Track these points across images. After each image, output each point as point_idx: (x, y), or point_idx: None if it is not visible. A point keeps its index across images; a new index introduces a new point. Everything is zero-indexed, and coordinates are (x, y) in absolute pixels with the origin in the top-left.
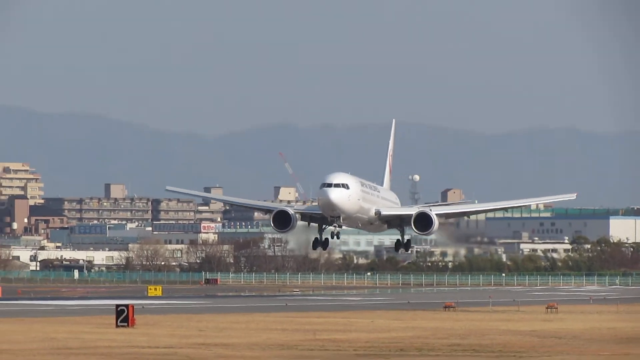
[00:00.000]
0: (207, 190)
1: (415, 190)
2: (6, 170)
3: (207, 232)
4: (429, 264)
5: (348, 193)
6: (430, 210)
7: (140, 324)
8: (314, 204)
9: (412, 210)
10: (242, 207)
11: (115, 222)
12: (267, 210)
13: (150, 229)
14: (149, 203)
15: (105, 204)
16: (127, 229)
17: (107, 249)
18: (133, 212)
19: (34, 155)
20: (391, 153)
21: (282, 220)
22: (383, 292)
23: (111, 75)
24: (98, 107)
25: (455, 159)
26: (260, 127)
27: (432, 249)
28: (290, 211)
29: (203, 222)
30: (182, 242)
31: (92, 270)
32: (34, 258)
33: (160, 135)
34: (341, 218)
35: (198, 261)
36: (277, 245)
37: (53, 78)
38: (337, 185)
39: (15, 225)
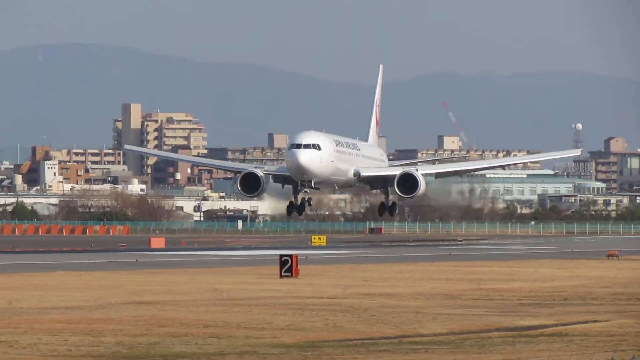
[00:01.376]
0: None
1: (578, 139)
2: (169, 120)
3: None
4: (592, 213)
5: (320, 155)
6: (417, 170)
7: (304, 274)
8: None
9: (396, 171)
10: (213, 168)
11: None
12: (235, 172)
13: None
14: None
15: (268, 153)
16: None
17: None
18: None
19: (197, 106)
20: (378, 103)
21: (251, 184)
22: (547, 241)
23: (275, 24)
24: (262, 57)
25: (619, 108)
26: (423, 76)
27: (595, 198)
28: (260, 173)
29: None
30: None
31: (256, 220)
32: (197, 208)
33: (322, 84)
34: (312, 182)
35: (362, 210)
36: None
37: (215, 28)
38: (306, 146)
39: (178, 176)
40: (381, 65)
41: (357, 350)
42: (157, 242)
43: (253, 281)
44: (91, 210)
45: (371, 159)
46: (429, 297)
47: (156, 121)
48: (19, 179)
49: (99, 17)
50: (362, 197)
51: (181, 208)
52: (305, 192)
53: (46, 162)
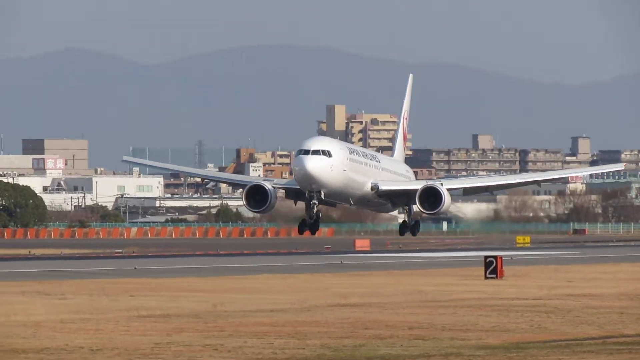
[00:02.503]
0: (575, 140)
1: None
2: (374, 122)
3: (574, 183)
4: None
5: (330, 162)
6: (441, 184)
7: (508, 275)
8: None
9: (418, 185)
10: (215, 181)
11: (483, 173)
12: (241, 185)
13: None
14: (517, 154)
15: (473, 154)
16: None
17: (474, 200)
18: (501, 163)
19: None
20: (406, 116)
21: (257, 198)
22: None
23: (473, 24)
24: (466, 58)
25: None
26: (625, 77)
27: None
28: (267, 186)
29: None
30: (549, 193)
31: (461, 221)
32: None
33: (529, 85)
34: (322, 193)
35: (566, 212)
36: None
37: (414, 27)
38: (315, 152)
39: None
40: (411, 75)
41: (561, 351)
42: (362, 243)
43: (458, 282)
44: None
45: (394, 173)
46: (633, 297)
47: (360, 122)
48: None
49: (303, 18)
50: (566, 198)
51: None
52: (315, 204)
53: (251, 164)
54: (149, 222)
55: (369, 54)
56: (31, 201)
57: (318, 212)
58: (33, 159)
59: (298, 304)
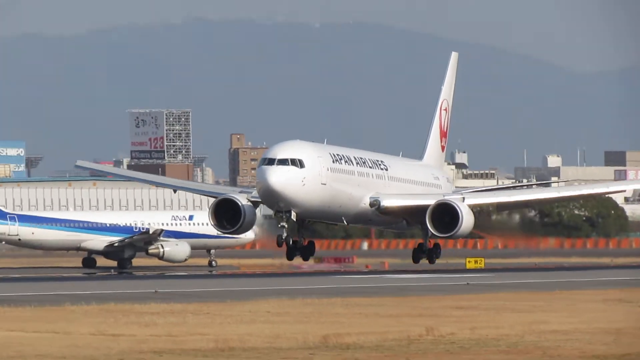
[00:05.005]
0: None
1: None
2: None
3: None
4: None
5: (301, 174)
6: (463, 199)
7: None
8: None
9: (431, 200)
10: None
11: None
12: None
13: None
14: None
15: None
16: None
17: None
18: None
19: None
20: (444, 106)
21: (228, 215)
22: None
23: None
24: None
25: None
26: None
27: None
28: (240, 200)
29: None
30: None
31: None
32: None
33: None
34: (292, 213)
35: None
36: None
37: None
38: (282, 162)
39: None
40: (454, 53)
41: None
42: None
43: None
44: None
45: (413, 182)
46: None
47: None
48: None
49: None
50: None
51: None
52: (284, 226)
53: None
54: None
55: None
56: (612, 212)
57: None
58: (615, 170)
59: None
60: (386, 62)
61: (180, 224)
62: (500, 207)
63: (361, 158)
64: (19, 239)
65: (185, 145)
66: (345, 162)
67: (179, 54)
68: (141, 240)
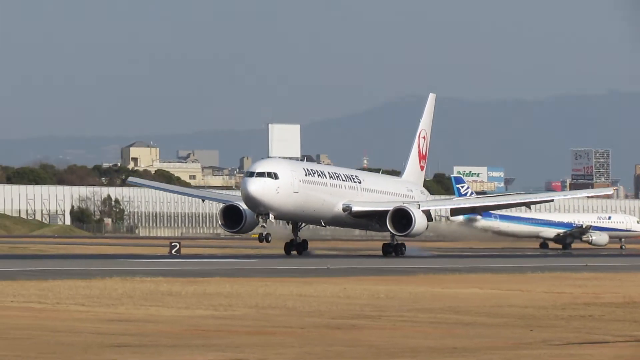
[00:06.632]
0: None
1: None
2: None
3: None
4: None
5: (275, 184)
6: (419, 206)
7: None
8: None
9: (390, 206)
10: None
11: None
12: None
13: None
14: None
15: None
16: None
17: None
18: None
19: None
20: (423, 135)
21: (234, 218)
22: None
23: None
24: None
25: None
26: None
27: None
28: (242, 206)
29: None
30: None
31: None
32: None
33: None
34: (271, 216)
35: None
36: None
37: None
38: (260, 175)
39: None
40: (431, 95)
41: None
42: None
43: None
44: None
45: (385, 193)
46: None
47: None
48: None
49: None
50: None
51: None
52: (263, 226)
53: None
54: None
55: None
56: None
57: (268, 235)
58: None
59: None
60: None
61: (602, 222)
62: (453, 212)
63: (335, 173)
64: (500, 230)
65: None
66: (319, 175)
67: None
68: (577, 232)
